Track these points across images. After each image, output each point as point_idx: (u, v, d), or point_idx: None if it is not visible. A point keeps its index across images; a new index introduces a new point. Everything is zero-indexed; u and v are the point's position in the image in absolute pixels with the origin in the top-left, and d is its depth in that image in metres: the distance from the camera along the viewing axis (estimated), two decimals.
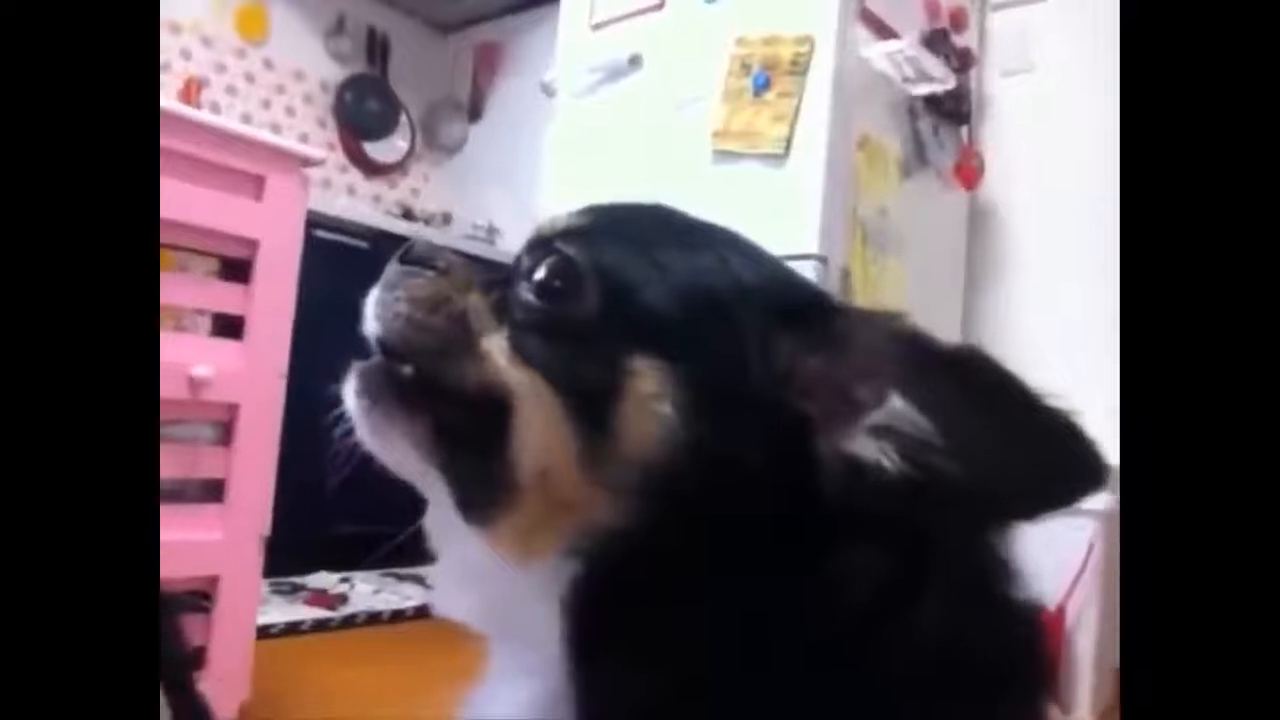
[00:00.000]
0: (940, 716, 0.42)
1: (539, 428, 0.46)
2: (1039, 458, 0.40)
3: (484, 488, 0.48)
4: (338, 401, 0.54)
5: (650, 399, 0.44)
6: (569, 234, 0.51)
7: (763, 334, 0.46)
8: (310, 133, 3.47)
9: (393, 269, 0.54)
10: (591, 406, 0.45)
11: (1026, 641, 0.46)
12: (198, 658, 1.30)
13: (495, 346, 0.49)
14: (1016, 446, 0.40)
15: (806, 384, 0.44)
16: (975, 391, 0.41)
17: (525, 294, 0.50)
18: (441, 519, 0.52)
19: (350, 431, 0.53)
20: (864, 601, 0.41)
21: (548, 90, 2.29)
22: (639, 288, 0.48)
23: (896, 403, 0.41)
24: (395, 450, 0.52)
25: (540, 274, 0.49)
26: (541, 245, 0.51)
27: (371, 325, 0.53)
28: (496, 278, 0.53)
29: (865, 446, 0.41)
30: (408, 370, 0.52)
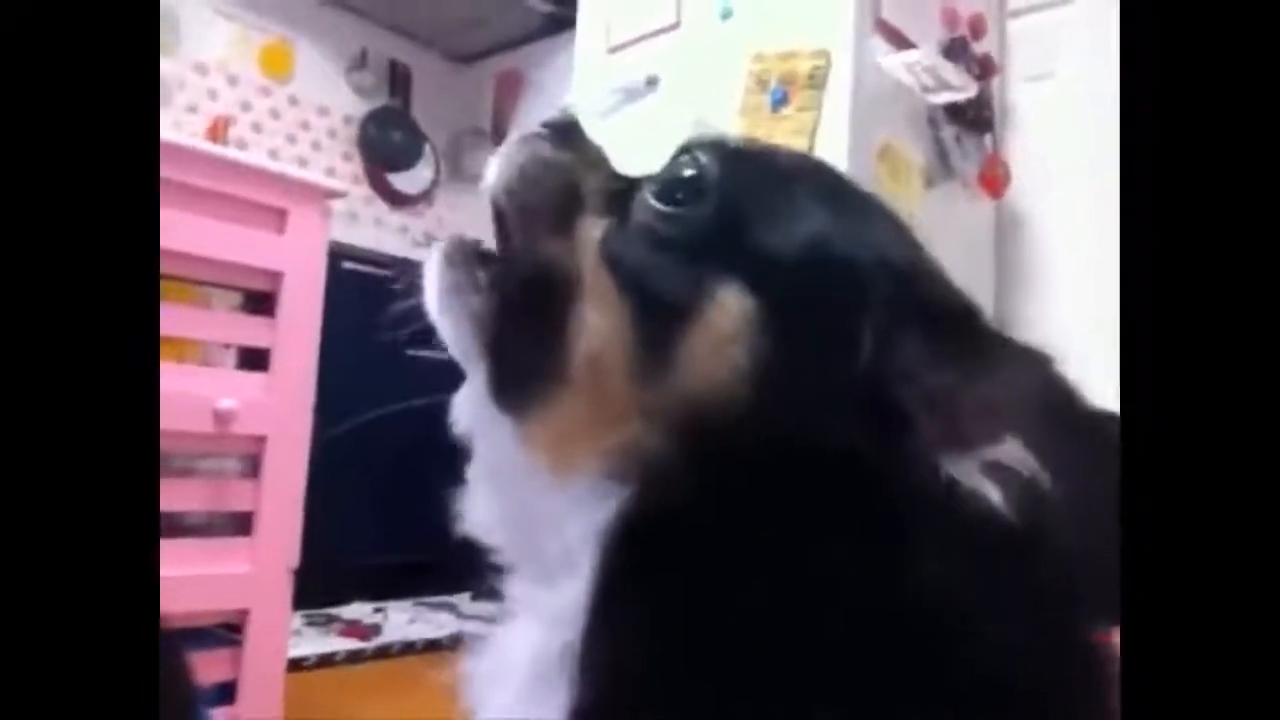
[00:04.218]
0: None
1: (600, 324, 0.44)
2: None
3: (527, 371, 0.45)
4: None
5: (725, 337, 0.41)
6: (714, 146, 0.48)
7: (889, 322, 0.40)
8: (336, 166, 3.51)
9: (529, 130, 0.53)
10: (659, 322, 0.42)
11: (1093, 677, 0.42)
12: (228, 692, 1.30)
13: (589, 231, 0.47)
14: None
15: (926, 394, 0.39)
16: (1104, 460, 0.36)
17: (646, 191, 0.47)
18: (477, 413, 0.49)
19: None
20: (934, 610, 0.37)
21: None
22: (761, 219, 0.44)
23: (1015, 447, 0.37)
24: (454, 320, 0.50)
25: (668, 174, 0.47)
26: (685, 149, 0.49)
27: (490, 178, 0.52)
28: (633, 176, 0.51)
29: (971, 475, 0.37)
30: (488, 246, 0.51)
